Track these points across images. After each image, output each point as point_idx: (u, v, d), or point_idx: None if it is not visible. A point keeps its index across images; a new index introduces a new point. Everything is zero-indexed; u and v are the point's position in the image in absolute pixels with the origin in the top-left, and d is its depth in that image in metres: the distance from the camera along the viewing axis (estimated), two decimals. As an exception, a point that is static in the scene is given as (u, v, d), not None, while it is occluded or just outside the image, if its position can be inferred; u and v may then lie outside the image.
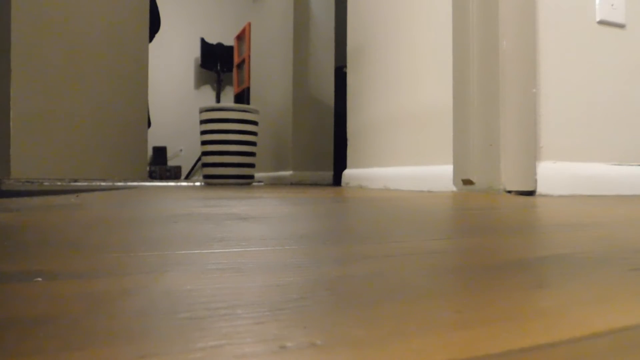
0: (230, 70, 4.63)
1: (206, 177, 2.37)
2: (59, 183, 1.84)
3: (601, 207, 0.74)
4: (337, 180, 2.65)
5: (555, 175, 1.09)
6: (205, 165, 2.38)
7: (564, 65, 1.14)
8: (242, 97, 3.96)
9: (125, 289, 0.20)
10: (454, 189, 1.23)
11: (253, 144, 2.41)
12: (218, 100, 4.71)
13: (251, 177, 2.43)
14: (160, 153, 4.45)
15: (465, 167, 1.18)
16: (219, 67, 4.59)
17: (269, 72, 3.10)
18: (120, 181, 2.16)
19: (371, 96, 1.83)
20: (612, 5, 1.18)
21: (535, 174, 1.07)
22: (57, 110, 1.90)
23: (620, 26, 1.20)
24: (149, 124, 2.76)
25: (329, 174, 2.74)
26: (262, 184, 2.66)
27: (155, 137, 4.48)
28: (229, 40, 4.76)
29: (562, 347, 0.14)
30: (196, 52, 4.71)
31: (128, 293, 0.20)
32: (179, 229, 0.41)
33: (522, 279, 0.23)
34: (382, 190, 1.46)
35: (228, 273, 0.24)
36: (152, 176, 4.20)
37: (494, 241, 0.36)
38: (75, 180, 1.95)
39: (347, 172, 2.02)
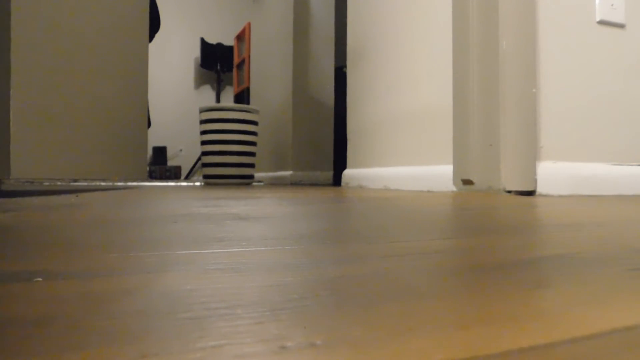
0: (230, 70, 4.63)
1: (206, 177, 2.37)
2: (59, 183, 1.84)
3: (601, 207, 0.74)
4: (337, 180, 2.64)
5: (555, 175, 1.08)
6: (205, 165, 2.38)
7: (564, 65, 1.14)
8: (242, 97, 3.96)
9: (125, 289, 0.20)
10: (454, 189, 1.23)
11: (253, 144, 2.41)
12: (218, 100, 4.71)
13: (251, 177, 2.43)
14: (160, 153, 4.45)
15: (465, 167, 1.18)
16: (219, 67, 4.59)
17: (269, 72, 3.10)
18: (120, 181, 2.16)
19: (371, 96, 1.83)
20: (612, 5, 1.18)
21: (535, 174, 1.07)
22: (57, 110, 1.90)
23: (620, 26, 1.20)
24: (149, 124, 2.76)
25: (329, 174, 2.74)
26: (262, 184, 2.65)
27: (155, 137, 4.48)
28: (229, 40, 4.76)
29: (562, 347, 0.14)
30: (196, 52, 4.71)
31: (128, 293, 0.20)
32: (179, 229, 0.41)
33: (522, 279, 0.23)
34: (382, 190, 1.46)
35: (228, 273, 0.24)
36: (152, 176, 4.20)
37: (493, 241, 0.36)
38: (75, 180, 1.95)
39: (347, 172, 2.02)
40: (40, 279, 0.22)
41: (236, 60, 4.22)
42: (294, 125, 2.65)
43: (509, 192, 1.08)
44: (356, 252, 0.30)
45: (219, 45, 4.59)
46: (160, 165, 4.38)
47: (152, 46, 4.41)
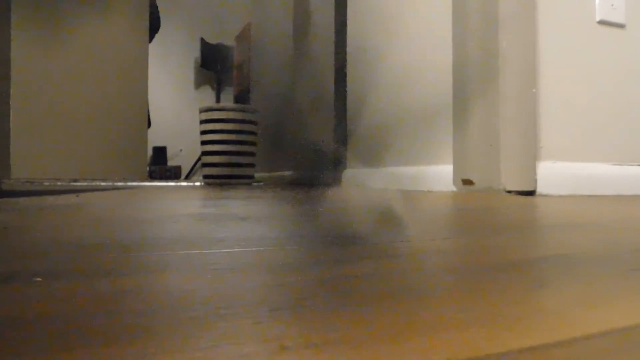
0: (230, 70, 4.63)
1: (206, 177, 2.37)
2: (59, 183, 1.84)
3: (601, 207, 0.74)
4: (337, 181, 2.64)
5: (555, 175, 1.08)
6: (205, 165, 2.38)
7: (564, 65, 1.13)
8: (242, 97, 3.96)
9: (125, 289, 0.20)
10: (454, 189, 1.23)
11: (253, 144, 2.41)
12: (218, 101, 4.71)
13: (251, 177, 2.43)
14: (160, 153, 4.45)
15: (465, 167, 1.18)
16: (219, 67, 4.59)
17: (269, 72, 3.10)
18: (120, 181, 2.16)
19: (371, 96, 1.83)
20: (612, 5, 1.18)
21: (535, 174, 1.07)
22: (57, 110, 1.90)
23: (620, 26, 1.20)
24: (149, 124, 2.75)
25: (329, 174, 2.73)
26: (262, 184, 2.65)
27: (155, 137, 4.47)
28: (229, 40, 4.76)
29: (562, 347, 0.14)
30: (196, 52, 4.70)
31: (128, 293, 0.20)
32: (179, 229, 0.41)
33: (522, 279, 0.23)
34: (382, 190, 1.46)
35: (228, 273, 0.24)
36: (152, 176, 4.19)
37: (494, 241, 0.36)
38: (75, 180, 1.95)
39: (347, 172, 2.02)
40: (40, 279, 0.22)
41: (236, 60, 4.22)
42: (294, 125, 2.65)
43: (509, 192, 1.07)
44: (356, 252, 0.30)
45: (219, 45, 4.59)
46: (160, 165, 4.38)
47: (152, 46, 4.40)
